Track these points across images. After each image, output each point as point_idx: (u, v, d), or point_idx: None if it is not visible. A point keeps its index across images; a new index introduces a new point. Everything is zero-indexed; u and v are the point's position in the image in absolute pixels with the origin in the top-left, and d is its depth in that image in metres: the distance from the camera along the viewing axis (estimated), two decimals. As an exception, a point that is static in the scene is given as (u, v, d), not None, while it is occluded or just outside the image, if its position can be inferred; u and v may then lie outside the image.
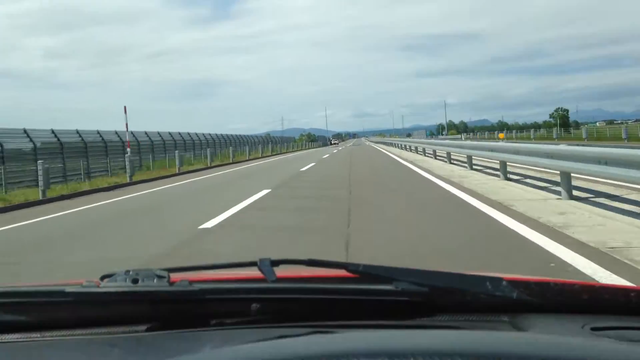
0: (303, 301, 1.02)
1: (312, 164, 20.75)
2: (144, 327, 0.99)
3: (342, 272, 1.06)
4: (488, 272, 1.09)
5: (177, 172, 20.14)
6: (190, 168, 22.71)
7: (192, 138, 35.76)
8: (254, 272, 1.05)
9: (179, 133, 33.53)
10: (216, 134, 42.44)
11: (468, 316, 0.98)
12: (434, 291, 0.97)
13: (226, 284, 1.10)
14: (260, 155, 37.89)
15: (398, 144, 39.03)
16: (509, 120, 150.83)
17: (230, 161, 28.87)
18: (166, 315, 1.01)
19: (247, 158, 33.26)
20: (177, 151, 22.64)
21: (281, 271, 1.05)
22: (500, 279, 0.98)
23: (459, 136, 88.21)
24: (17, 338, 0.96)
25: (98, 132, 23.47)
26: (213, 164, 25.23)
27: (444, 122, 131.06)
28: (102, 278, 1.04)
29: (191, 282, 0.99)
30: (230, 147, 32.64)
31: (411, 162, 17.36)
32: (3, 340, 0.95)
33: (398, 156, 23.18)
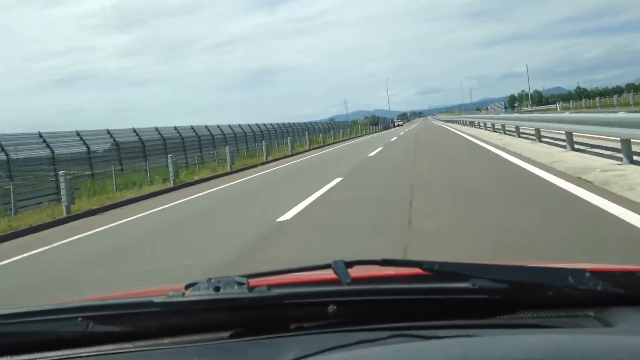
0: (379, 302, 1.04)
1: (365, 157, 17.05)
2: (227, 334, 1.04)
3: (416, 271, 1.09)
4: (569, 263, 1.14)
5: (229, 170, 19.17)
6: (248, 163, 22.69)
7: (252, 130, 37.68)
8: (329, 274, 1.10)
9: (239, 125, 36.10)
10: (277, 123, 43.81)
11: (551, 312, 0.96)
12: (513, 287, 0.96)
13: (303, 288, 1.17)
14: (321, 144, 36.59)
15: (469, 122, 34.25)
16: (586, 86, 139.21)
17: (289, 153, 27.81)
18: (247, 320, 1.06)
19: (308, 148, 32.14)
20: (228, 147, 21.81)
21: (355, 272, 1.10)
22: (583, 271, 0.96)
23: (545, 107, 76.19)
24: (112, 349, 1.03)
25: (176, 129, 27.59)
26: (269, 158, 23.97)
27: (515, 92, 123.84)
28: (187, 287, 1.13)
29: (269, 287, 1.04)
30: (289, 138, 31.53)
31: (500, 148, 12.87)
32: (100, 352, 1.02)
33: (476, 137, 19.30)
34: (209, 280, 1.08)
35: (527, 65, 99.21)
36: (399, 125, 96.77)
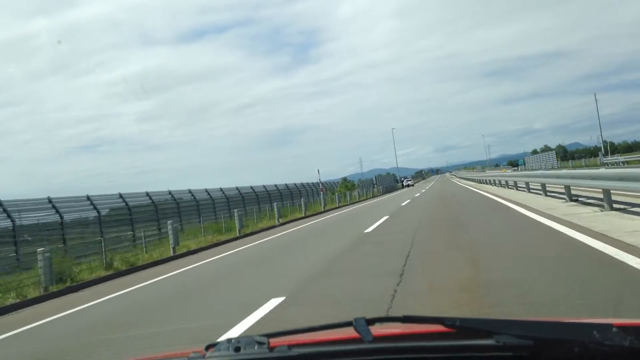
0: None
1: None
2: None
3: (439, 328, 1.11)
4: (595, 318, 1.18)
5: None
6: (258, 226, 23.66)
7: (267, 190, 40.01)
8: (351, 332, 1.14)
9: (251, 187, 37.86)
10: (285, 184, 45.19)
11: None
12: (538, 344, 0.97)
13: (324, 347, 1.18)
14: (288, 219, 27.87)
15: (496, 180, 29.77)
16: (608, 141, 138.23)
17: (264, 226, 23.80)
18: None
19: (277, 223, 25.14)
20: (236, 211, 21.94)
21: (377, 329, 1.14)
22: (609, 326, 0.97)
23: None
24: None
25: (206, 191, 30.51)
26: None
27: (529, 149, 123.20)
28: (207, 348, 1.17)
29: (290, 346, 1.08)
30: (276, 204, 28.18)
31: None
32: None
33: (521, 205, 13.93)
34: (229, 340, 1.13)
35: (596, 110, 68.97)
36: (408, 186, 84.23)
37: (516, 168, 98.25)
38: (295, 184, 45.75)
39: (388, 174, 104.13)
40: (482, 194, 23.92)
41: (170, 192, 26.49)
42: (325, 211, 32.81)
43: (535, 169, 65.49)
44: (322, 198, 36.31)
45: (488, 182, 35.92)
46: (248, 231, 21.28)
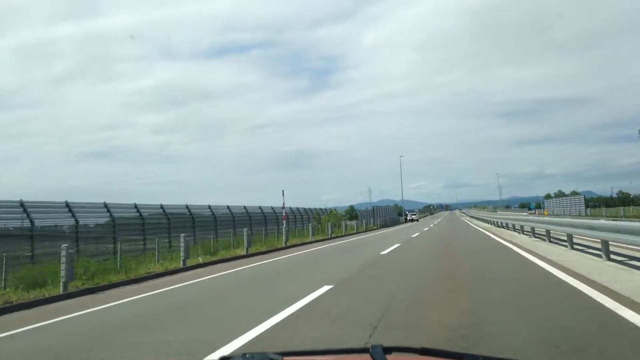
0: None
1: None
2: None
3: None
4: None
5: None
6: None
7: (273, 210, 38.92)
8: (366, 359, 1.09)
9: (244, 207, 36.44)
10: (296, 208, 44.84)
11: None
12: None
13: None
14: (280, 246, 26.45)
15: (516, 225, 25.41)
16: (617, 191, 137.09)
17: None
18: None
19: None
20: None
21: (393, 358, 1.08)
22: None
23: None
24: None
25: (228, 207, 32.00)
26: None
27: (541, 193, 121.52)
28: None
29: None
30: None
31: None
32: None
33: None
34: (244, 355, 1.12)
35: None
36: (412, 220, 79.56)
37: (532, 211, 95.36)
38: (297, 208, 44.78)
39: (395, 205, 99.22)
40: (504, 245, 17.63)
41: (187, 207, 27.24)
42: (285, 247, 25.29)
43: (558, 215, 61.34)
44: (284, 229, 28.34)
45: (502, 225, 31.89)
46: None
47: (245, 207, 34.27)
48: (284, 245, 26.44)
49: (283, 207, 32.23)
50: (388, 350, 1.09)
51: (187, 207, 27.61)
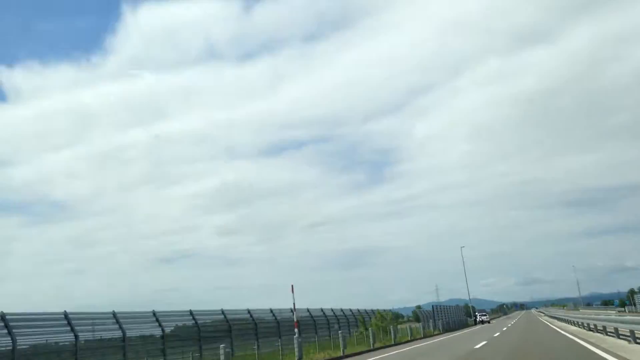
0: None
1: None
2: None
3: None
4: None
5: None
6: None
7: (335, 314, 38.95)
8: None
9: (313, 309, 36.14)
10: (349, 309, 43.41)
11: None
12: None
13: None
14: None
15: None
16: None
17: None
18: None
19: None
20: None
21: None
22: None
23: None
24: None
25: (248, 311, 28.95)
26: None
27: (623, 289, 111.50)
28: None
29: None
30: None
31: None
32: None
33: None
34: None
35: None
36: (482, 322, 71.07)
37: (623, 309, 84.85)
38: (342, 310, 41.74)
39: (466, 304, 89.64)
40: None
41: (249, 311, 27.41)
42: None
43: None
44: (296, 341, 21.82)
45: (598, 329, 23.97)
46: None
47: (271, 311, 30.92)
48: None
49: (293, 310, 22.15)
50: None
51: (222, 311, 26.77)
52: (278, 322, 28.48)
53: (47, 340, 15.99)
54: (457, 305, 74.71)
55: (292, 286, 19.55)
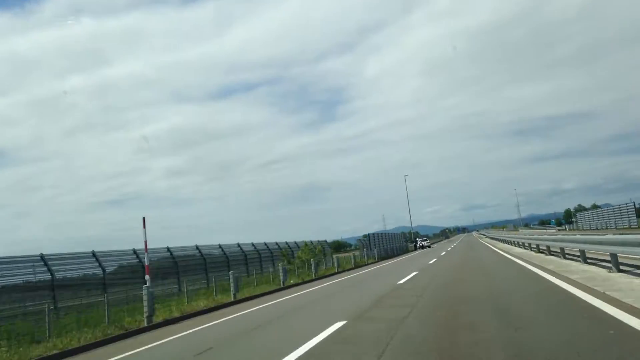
0: None
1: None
2: None
3: None
4: None
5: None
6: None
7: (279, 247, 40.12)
8: None
9: (252, 244, 36.66)
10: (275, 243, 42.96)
11: None
12: None
13: None
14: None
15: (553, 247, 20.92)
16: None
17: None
18: None
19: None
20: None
21: None
22: None
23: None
24: None
25: (220, 246, 31.98)
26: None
27: (559, 210, 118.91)
28: None
29: None
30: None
31: None
32: None
33: None
34: None
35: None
36: (423, 247, 72.22)
37: (562, 227, 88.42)
38: (266, 244, 39.23)
39: (410, 231, 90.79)
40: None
41: (220, 246, 30.91)
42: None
43: (597, 229, 57.11)
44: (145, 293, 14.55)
45: (530, 246, 27.36)
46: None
47: (239, 245, 33.32)
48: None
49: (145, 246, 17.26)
50: None
51: (220, 246, 29.07)
52: (227, 257, 30.45)
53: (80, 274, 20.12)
54: (397, 232, 74.72)
55: (144, 219, 16.24)
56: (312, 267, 30.20)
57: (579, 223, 76.66)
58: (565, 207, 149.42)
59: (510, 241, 40.91)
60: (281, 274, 24.47)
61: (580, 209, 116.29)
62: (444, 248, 56.51)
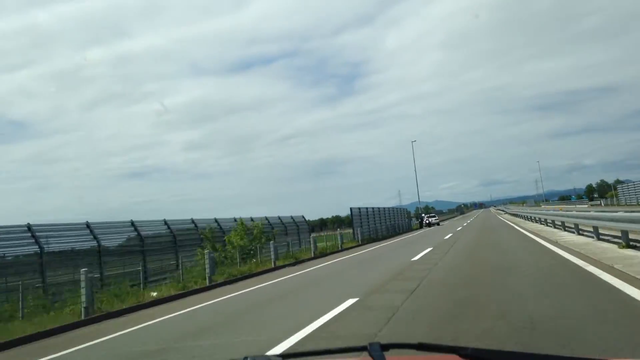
0: None
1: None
2: None
3: (453, 357, 1.13)
4: (612, 358, 1.53)
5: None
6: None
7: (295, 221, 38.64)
8: (366, 357, 1.19)
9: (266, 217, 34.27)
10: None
11: None
12: None
13: None
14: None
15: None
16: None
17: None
18: None
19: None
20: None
21: (391, 355, 1.16)
22: None
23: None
24: None
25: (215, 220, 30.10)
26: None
27: (579, 186, 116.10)
28: None
29: None
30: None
31: None
32: None
33: None
34: (245, 358, 1.16)
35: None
36: (430, 225, 63.66)
37: (598, 203, 76.86)
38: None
39: (427, 207, 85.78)
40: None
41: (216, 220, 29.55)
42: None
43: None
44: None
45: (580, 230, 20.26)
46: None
47: (235, 219, 30.01)
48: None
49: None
50: (386, 347, 1.16)
51: (216, 220, 28.50)
52: (224, 231, 28.74)
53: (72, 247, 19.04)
54: (398, 207, 63.92)
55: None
56: (238, 260, 23.06)
57: (619, 198, 68.51)
58: (586, 183, 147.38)
59: (542, 219, 32.30)
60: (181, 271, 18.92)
61: (603, 184, 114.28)
62: (456, 226, 49.11)
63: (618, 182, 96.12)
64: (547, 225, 29.20)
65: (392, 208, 57.91)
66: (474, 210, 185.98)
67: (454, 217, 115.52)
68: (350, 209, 40.59)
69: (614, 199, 73.37)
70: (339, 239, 34.27)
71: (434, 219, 68.06)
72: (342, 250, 31.72)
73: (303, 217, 40.78)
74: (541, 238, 20.66)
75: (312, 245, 29.04)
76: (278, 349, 6.18)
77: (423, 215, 71.75)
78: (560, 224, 25.10)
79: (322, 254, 28.42)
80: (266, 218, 33.88)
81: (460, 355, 1.11)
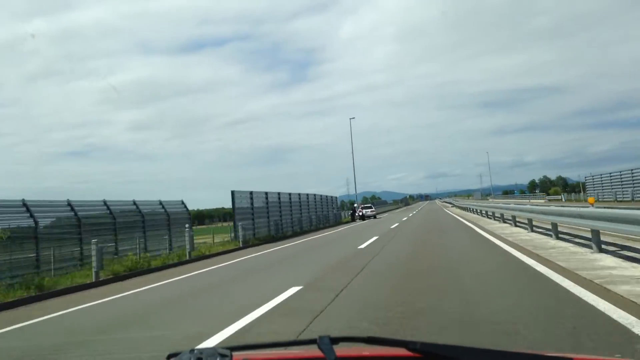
0: None
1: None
2: None
3: (402, 351, 1.16)
4: (558, 353, 1.22)
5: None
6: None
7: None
8: (314, 351, 1.18)
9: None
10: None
11: None
12: None
13: None
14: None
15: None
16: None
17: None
18: None
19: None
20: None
21: (341, 348, 1.18)
22: None
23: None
24: None
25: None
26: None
27: (520, 181, 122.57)
28: (169, 357, 1.26)
29: None
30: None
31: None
32: None
33: None
34: (192, 351, 1.16)
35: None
36: (363, 217, 55.67)
37: (555, 197, 78.56)
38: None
39: (373, 197, 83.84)
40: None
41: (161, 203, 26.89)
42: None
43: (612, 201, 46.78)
44: None
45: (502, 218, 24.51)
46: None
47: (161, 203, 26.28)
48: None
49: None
50: (335, 340, 1.17)
51: (161, 202, 26.40)
52: (168, 215, 26.15)
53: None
54: (323, 196, 52.14)
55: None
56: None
57: (587, 192, 62.85)
58: (527, 179, 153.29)
59: (474, 208, 28.45)
60: None
61: (545, 179, 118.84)
62: (396, 219, 43.24)
63: (560, 178, 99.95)
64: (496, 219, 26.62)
65: (314, 195, 47.86)
66: (420, 202, 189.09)
67: (397, 208, 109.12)
68: (232, 192, 28.73)
69: (582, 193, 70.25)
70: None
71: (369, 210, 59.35)
72: (182, 263, 19.17)
73: (183, 202, 28.54)
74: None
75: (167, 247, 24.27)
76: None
77: (355, 205, 62.77)
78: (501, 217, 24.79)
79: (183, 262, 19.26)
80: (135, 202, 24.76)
81: (409, 349, 1.14)
